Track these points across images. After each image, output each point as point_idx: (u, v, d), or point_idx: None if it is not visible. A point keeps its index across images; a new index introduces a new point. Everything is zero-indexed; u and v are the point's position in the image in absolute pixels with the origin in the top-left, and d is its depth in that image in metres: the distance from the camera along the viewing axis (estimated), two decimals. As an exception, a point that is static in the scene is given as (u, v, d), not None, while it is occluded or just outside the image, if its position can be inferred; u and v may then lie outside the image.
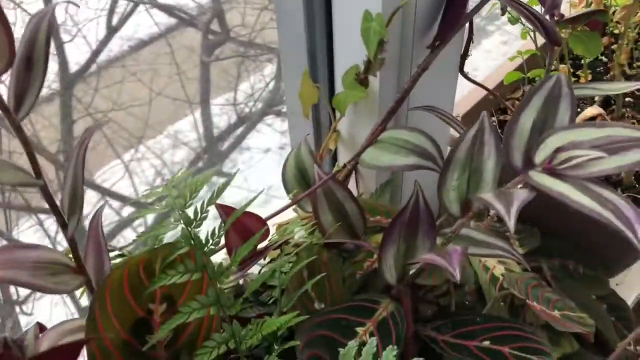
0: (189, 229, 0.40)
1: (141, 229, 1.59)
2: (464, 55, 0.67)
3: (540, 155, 0.40)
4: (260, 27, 2.00)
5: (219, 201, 0.43)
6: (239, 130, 1.98)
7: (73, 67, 1.77)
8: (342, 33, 0.59)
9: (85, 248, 0.44)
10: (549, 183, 0.37)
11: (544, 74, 0.61)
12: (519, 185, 0.42)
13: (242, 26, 2.01)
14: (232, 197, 1.67)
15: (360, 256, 0.58)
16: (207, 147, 1.98)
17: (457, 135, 0.60)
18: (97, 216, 0.44)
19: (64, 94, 1.75)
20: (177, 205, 0.40)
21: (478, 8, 0.57)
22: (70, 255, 0.41)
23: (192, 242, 0.40)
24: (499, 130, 0.83)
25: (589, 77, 0.97)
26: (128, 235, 1.57)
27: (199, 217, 0.40)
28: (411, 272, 0.50)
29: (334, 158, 0.71)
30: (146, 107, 1.83)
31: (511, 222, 0.35)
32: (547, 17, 0.56)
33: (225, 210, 0.51)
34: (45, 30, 0.33)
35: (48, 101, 1.75)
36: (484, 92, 0.82)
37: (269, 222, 0.53)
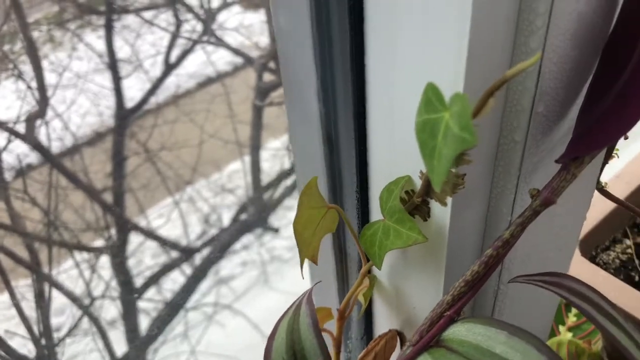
0: None
1: (189, 271, 1.49)
2: (605, 162, 0.37)
3: None
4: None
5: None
6: (290, 179, 1.87)
7: (131, 103, 1.75)
8: (381, 113, 0.30)
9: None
10: None
11: None
12: None
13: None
14: (280, 249, 1.52)
15: None
16: (254, 197, 1.89)
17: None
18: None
19: (118, 129, 1.70)
20: None
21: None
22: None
23: None
24: (638, 261, 0.51)
25: None
26: (175, 278, 1.43)
27: None
28: None
29: (368, 314, 0.41)
30: (197, 148, 1.77)
31: None
32: None
33: None
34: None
35: (104, 136, 1.70)
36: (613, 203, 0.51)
37: None
